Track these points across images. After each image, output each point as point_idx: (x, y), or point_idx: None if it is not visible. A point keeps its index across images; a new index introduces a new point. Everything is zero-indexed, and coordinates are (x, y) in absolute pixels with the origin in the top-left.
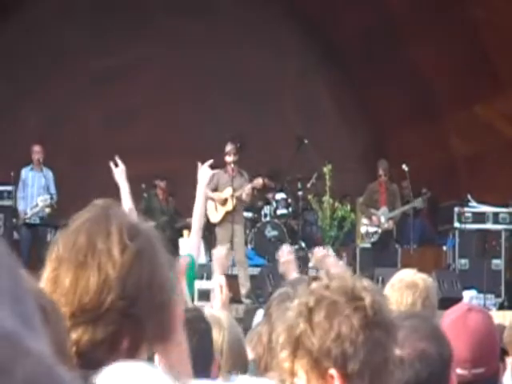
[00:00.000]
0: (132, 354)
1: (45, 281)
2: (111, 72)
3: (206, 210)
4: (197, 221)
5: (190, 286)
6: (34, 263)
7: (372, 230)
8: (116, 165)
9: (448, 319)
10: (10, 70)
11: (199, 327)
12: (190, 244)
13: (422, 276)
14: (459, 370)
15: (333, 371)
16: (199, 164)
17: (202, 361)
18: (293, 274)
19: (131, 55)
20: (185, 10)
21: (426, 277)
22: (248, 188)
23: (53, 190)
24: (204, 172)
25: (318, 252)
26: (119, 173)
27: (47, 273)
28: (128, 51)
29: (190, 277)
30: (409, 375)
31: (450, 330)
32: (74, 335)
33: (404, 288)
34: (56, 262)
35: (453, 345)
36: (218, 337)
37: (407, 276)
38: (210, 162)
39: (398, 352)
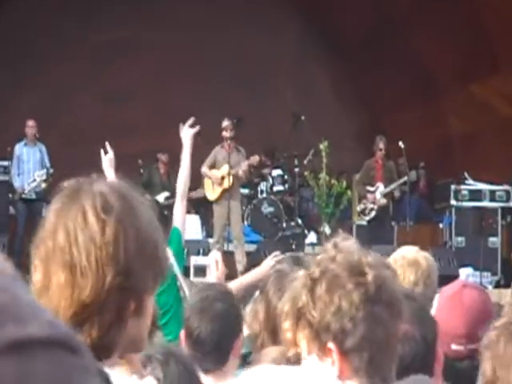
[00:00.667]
0: (138, 311)
1: (37, 289)
2: (109, 52)
3: (190, 178)
4: (181, 188)
5: (180, 259)
6: (30, 238)
7: (368, 206)
8: (106, 152)
9: (444, 296)
10: (6, 48)
11: (225, 304)
12: (175, 215)
13: (424, 254)
14: (455, 346)
15: (331, 345)
16: (181, 125)
17: (226, 338)
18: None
19: (130, 36)
20: None
21: (428, 255)
22: (245, 165)
23: (47, 163)
24: (187, 133)
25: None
26: (107, 162)
27: (37, 280)
28: (127, 32)
29: (177, 250)
30: None
31: (446, 306)
32: (83, 334)
33: (406, 265)
34: (43, 267)
35: (448, 321)
36: None
37: (409, 253)
38: (191, 120)
39: None
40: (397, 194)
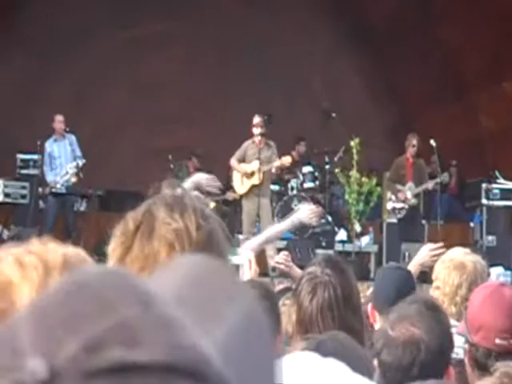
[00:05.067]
0: None
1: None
2: (140, 45)
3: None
4: (266, 234)
5: None
6: (60, 232)
7: (398, 205)
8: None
9: (482, 293)
10: (37, 42)
11: (265, 302)
12: (247, 243)
13: (474, 258)
14: (498, 340)
15: None
16: (308, 205)
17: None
18: (296, 270)
19: (161, 30)
20: None
21: (479, 259)
22: (276, 165)
23: (78, 152)
24: (304, 211)
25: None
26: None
27: (134, 253)
28: (158, 26)
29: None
30: (392, 357)
31: (488, 303)
32: None
33: (452, 268)
34: (131, 240)
35: (491, 316)
36: None
37: (458, 255)
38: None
39: (390, 332)
40: (430, 187)
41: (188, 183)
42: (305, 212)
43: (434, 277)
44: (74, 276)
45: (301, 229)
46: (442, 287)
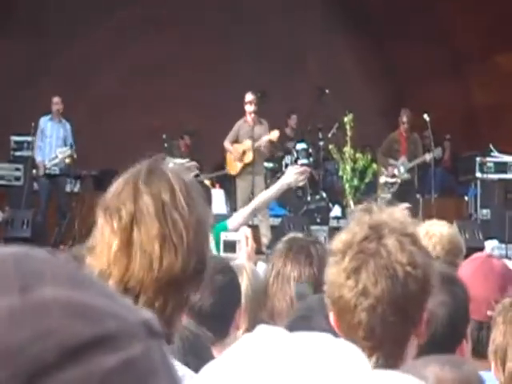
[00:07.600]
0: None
1: (116, 254)
2: (135, 26)
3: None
4: (257, 203)
5: (217, 240)
6: (53, 213)
7: (391, 180)
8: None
9: (470, 267)
10: (31, 25)
11: (225, 277)
12: (234, 217)
13: (437, 231)
14: (490, 312)
15: None
16: (290, 166)
17: (227, 310)
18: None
19: (155, 10)
20: None
21: (446, 230)
22: (265, 140)
23: (70, 140)
24: (290, 174)
25: None
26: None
27: (116, 245)
28: (153, 7)
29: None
30: None
31: (477, 276)
32: (156, 304)
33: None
34: (125, 232)
35: (482, 288)
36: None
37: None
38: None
39: None
40: (428, 159)
41: None
42: (291, 175)
43: None
44: None
45: (295, 205)
46: None
